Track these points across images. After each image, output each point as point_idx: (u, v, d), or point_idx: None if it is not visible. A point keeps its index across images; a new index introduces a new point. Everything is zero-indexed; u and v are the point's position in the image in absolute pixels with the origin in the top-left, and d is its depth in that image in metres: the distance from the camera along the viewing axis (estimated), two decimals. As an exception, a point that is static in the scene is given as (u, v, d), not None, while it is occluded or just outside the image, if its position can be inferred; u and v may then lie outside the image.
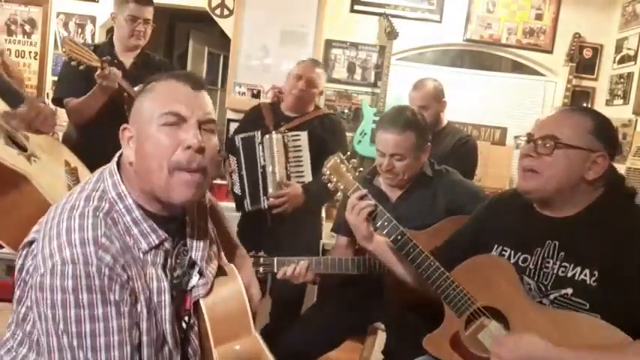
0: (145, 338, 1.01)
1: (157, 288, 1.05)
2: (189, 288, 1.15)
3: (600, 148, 1.29)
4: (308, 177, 2.39)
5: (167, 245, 1.08)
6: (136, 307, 1.01)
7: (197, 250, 1.16)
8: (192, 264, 1.16)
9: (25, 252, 1.04)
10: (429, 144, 1.96)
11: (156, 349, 1.04)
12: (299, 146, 2.40)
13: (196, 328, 1.16)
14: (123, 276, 0.97)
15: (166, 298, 1.06)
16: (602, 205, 1.32)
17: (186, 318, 1.15)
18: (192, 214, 1.18)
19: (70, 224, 0.97)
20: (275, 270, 1.86)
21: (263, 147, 2.39)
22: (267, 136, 2.38)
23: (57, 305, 0.93)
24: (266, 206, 2.40)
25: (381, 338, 2.04)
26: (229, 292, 1.19)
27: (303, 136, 2.40)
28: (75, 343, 0.93)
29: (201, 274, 1.17)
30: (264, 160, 2.39)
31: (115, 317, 0.95)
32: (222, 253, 1.32)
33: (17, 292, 1.04)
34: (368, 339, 2.10)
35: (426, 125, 1.98)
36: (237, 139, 2.46)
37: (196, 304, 1.16)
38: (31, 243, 1.03)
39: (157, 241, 1.05)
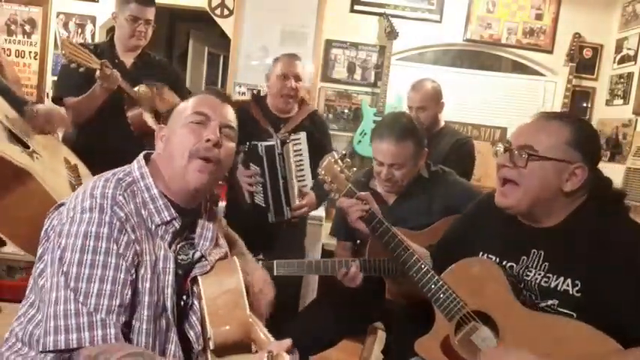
0: (146, 298, 1.09)
1: (164, 256, 1.16)
2: (192, 275, 1.23)
3: (578, 159, 1.25)
4: (308, 179, 2.36)
5: (176, 224, 1.20)
6: (139, 269, 1.10)
7: (203, 245, 1.26)
8: (197, 257, 1.25)
9: (54, 213, 1.16)
10: (426, 149, 1.96)
11: (155, 315, 1.11)
12: (300, 150, 2.35)
13: (195, 308, 1.22)
14: (131, 234, 1.09)
15: (171, 265, 1.16)
16: (585, 213, 1.29)
17: (184, 297, 1.21)
18: (203, 217, 1.30)
19: (95, 184, 1.13)
20: (275, 272, 1.86)
21: (283, 158, 2.30)
22: (285, 146, 2.30)
23: (67, 248, 1.05)
24: (289, 217, 2.35)
25: (381, 338, 2.04)
26: (228, 278, 1.24)
27: (303, 137, 2.36)
28: (72, 284, 1.02)
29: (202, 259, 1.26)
30: (285, 171, 2.31)
31: (112, 268, 1.05)
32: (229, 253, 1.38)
33: (39, 250, 1.15)
34: (368, 339, 2.10)
35: (422, 131, 1.98)
36: (262, 147, 2.29)
37: (195, 285, 1.22)
38: (60, 205, 1.16)
39: (168, 218, 1.18)
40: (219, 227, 1.38)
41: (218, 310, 1.19)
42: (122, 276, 1.05)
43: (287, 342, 1.06)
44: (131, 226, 1.09)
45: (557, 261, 1.28)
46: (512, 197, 1.31)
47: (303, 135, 2.36)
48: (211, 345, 1.15)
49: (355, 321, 2.03)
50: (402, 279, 1.76)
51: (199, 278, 1.22)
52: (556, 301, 1.27)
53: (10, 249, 2.88)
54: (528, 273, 1.33)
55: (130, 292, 1.07)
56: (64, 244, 1.05)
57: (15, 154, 1.65)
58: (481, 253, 1.44)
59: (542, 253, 1.32)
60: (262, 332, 1.24)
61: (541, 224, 1.34)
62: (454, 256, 1.46)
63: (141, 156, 1.24)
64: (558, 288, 1.26)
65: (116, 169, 1.20)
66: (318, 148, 2.38)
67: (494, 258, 1.41)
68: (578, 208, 1.30)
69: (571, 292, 1.24)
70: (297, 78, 2.42)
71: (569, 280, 1.25)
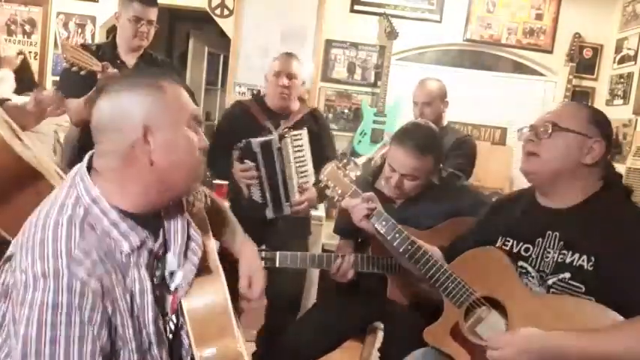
0: (133, 345, 1.01)
1: (140, 290, 1.03)
2: (173, 288, 1.14)
3: (596, 135, 1.35)
4: (311, 176, 2.37)
5: (150, 244, 1.06)
6: (114, 318, 0.98)
7: (176, 234, 1.15)
8: (171, 270, 1.15)
9: (5, 267, 1.02)
10: (442, 165, 1.95)
11: (143, 353, 1.04)
12: (302, 145, 2.36)
13: (186, 328, 1.15)
14: (97, 290, 0.94)
15: (149, 299, 1.05)
16: (601, 198, 1.36)
17: (174, 318, 1.15)
18: (166, 208, 1.16)
19: (44, 235, 0.95)
20: (277, 264, 1.86)
21: (281, 153, 2.31)
22: (283, 140, 2.31)
23: (22, 321, 0.90)
24: (289, 213, 2.36)
25: (380, 338, 2.04)
26: (212, 293, 1.18)
27: (304, 134, 2.36)
28: None
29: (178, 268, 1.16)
30: (283, 166, 2.32)
31: (77, 341, 0.91)
32: (213, 245, 1.27)
33: (1, 308, 1.02)
34: (368, 339, 2.10)
35: (442, 148, 1.96)
36: (256, 143, 2.29)
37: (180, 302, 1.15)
38: (10, 258, 1.01)
39: (138, 242, 1.03)
40: (185, 212, 1.22)
41: (203, 332, 1.13)
42: (89, 347, 0.92)
43: None
44: (97, 278, 0.94)
45: (574, 240, 1.34)
46: (533, 164, 1.40)
47: (304, 131, 2.37)
48: None
49: (356, 321, 2.03)
50: (404, 276, 1.76)
51: (182, 301, 1.14)
52: (568, 274, 1.32)
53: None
54: (547, 253, 1.38)
55: (101, 358, 0.95)
56: (19, 315, 0.91)
57: (26, 154, 1.64)
58: (500, 238, 1.49)
59: (558, 234, 1.37)
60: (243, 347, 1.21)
61: (559, 204, 1.40)
62: (472, 248, 1.51)
63: (84, 170, 1.05)
64: (574, 263, 1.32)
65: (61, 197, 1.02)
66: (320, 144, 2.41)
67: (511, 241, 1.46)
68: (594, 194, 1.37)
69: (585, 267, 1.30)
70: (291, 76, 2.42)
71: (584, 256, 1.31)
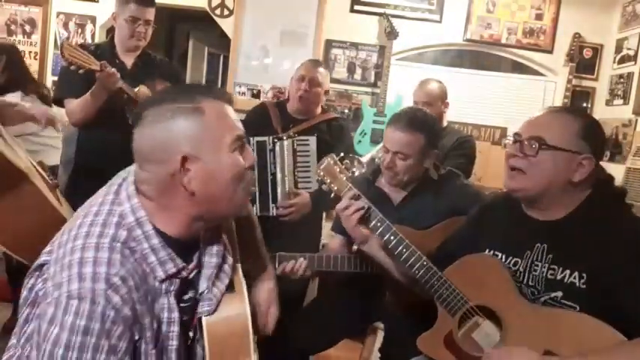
0: None
1: (168, 319, 1.04)
2: (200, 310, 1.12)
3: (586, 151, 1.29)
4: (314, 184, 2.36)
5: (185, 273, 1.06)
6: (140, 345, 0.98)
7: (211, 256, 1.14)
8: (201, 291, 1.13)
9: (36, 274, 1.02)
10: (436, 151, 1.93)
11: None
12: (307, 151, 2.36)
13: (203, 341, 1.14)
14: (128, 318, 0.94)
15: (175, 329, 1.05)
16: (589, 207, 1.31)
17: (190, 333, 1.13)
18: (205, 230, 1.14)
19: (85, 256, 0.95)
20: (277, 265, 1.86)
21: (274, 154, 2.35)
22: (278, 143, 2.34)
23: (49, 339, 0.90)
24: (274, 214, 2.38)
25: (380, 338, 2.04)
26: (234, 312, 1.16)
27: (312, 140, 2.37)
28: None
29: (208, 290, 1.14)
30: (275, 168, 2.36)
31: None
32: (239, 265, 1.25)
33: (26, 311, 1.02)
34: (368, 339, 2.10)
35: (438, 131, 1.96)
36: (253, 141, 2.34)
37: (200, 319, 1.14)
38: (42, 266, 1.01)
39: (174, 270, 1.03)
40: (223, 236, 1.22)
41: (221, 350, 1.12)
42: None
43: None
44: (130, 307, 0.94)
45: (563, 253, 1.30)
46: (519, 182, 1.34)
47: (312, 138, 2.38)
48: None
49: (355, 321, 2.03)
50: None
51: (203, 319, 1.12)
52: (560, 293, 1.28)
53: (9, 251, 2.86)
54: (535, 267, 1.34)
55: None
56: (46, 331, 0.91)
57: (9, 154, 1.61)
58: (487, 250, 1.45)
59: (546, 246, 1.33)
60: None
61: (547, 216, 1.35)
62: (458, 256, 1.47)
63: (132, 190, 1.03)
64: (565, 280, 1.27)
65: (104, 212, 1.01)
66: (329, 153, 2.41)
67: (499, 254, 1.43)
68: (582, 202, 1.32)
69: (577, 285, 1.25)
70: (313, 82, 2.45)
71: (575, 273, 1.26)
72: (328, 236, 2.91)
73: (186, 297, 1.09)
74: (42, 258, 1.02)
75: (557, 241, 1.31)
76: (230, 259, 1.18)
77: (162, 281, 1.02)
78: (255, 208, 2.37)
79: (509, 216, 1.44)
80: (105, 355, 0.91)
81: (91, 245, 0.96)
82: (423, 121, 1.87)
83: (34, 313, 0.99)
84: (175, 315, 1.04)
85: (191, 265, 1.09)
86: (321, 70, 2.51)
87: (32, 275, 1.02)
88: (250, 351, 1.16)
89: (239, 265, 1.24)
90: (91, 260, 0.94)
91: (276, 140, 2.36)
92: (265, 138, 2.36)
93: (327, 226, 2.94)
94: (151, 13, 2.41)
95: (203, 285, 1.12)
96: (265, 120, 2.49)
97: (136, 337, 0.97)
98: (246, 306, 1.17)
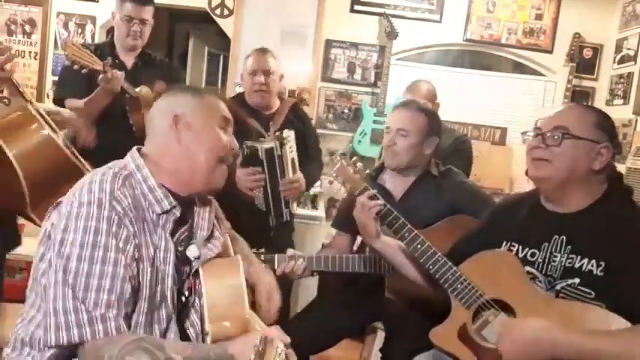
0: (146, 291, 1.11)
1: (165, 246, 1.17)
2: (192, 257, 1.25)
3: (604, 140, 1.34)
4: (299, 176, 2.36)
5: (177, 213, 1.21)
6: (139, 262, 1.11)
7: (201, 229, 1.29)
8: (194, 255, 1.26)
9: (54, 211, 1.16)
10: (437, 139, 1.96)
11: (154, 306, 1.13)
12: (292, 147, 2.31)
13: (197, 305, 1.24)
14: (130, 228, 1.10)
15: (171, 256, 1.18)
16: (607, 200, 1.36)
17: (186, 293, 1.23)
18: (198, 203, 1.31)
19: (92, 178, 1.13)
20: (276, 266, 1.86)
21: (282, 159, 2.26)
22: (283, 147, 2.26)
23: (65, 243, 1.05)
24: (288, 219, 2.36)
25: (380, 338, 2.04)
26: (229, 275, 1.26)
27: (292, 135, 2.31)
28: (70, 279, 1.03)
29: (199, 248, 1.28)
30: (284, 172, 2.27)
31: (112, 263, 1.06)
32: (232, 251, 1.39)
33: (40, 249, 1.15)
34: (368, 339, 2.10)
35: (438, 121, 2.01)
36: (262, 150, 2.22)
37: (197, 281, 1.24)
38: (58, 204, 1.16)
39: (168, 206, 1.19)
40: (214, 214, 1.39)
41: (217, 305, 1.20)
42: (122, 270, 1.06)
43: (285, 337, 1.14)
44: (129, 220, 1.10)
45: (581, 244, 1.33)
46: (545, 171, 1.38)
47: (292, 133, 2.32)
48: (208, 340, 1.17)
49: (355, 321, 2.03)
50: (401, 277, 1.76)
51: (201, 273, 1.23)
52: (577, 280, 1.31)
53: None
54: (554, 258, 1.37)
55: (129, 287, 1.07)
56: (63, 238, 1.06)
57: (66, 150, 1.71)
58: (504, 243, 1.48)
59: (565, 238, 1.36)
60: (258, 324, 1.27)
61: (566, 209, 1.39)
62: (476, 251, 1.49)
63: (134, 149, 1.25)
64: (583, 268, 1.31)
65: (111, 164, 1.21)
66: (305, 143, 2.41)
67: (516, 246, 1.45)
68: (601, 196, 1.37)
69: (595, 272, 1.29)
70: (268, 73, 2.39)
71: (593, 261, 1.30)
72: (329, 236, 2.91)
73: (180, 249, 1.23)
74: (60, 199, 1.17)
75: (576, 233, 1.35)
76: (220, 239, 1.34)
77: (158, 216, 1.18)
78: (270, 219, 2.32)
79: (526, 210, 1.48)
80: (114, 253, 1.06)
81: (97, 176, 1.14)
82: (424, 106, 1.98)
83: (49, 243, 1.12)
84: (171, 245, 1.19)
85: (184, 227, 1.25)
86: (271, 58, 2.43)
87: (50, 214, 1.16)
88: (245, 303, 1.23)
89: (230, 249, 1.39)
90: (98, 180, 1.12)
91: (280, 144, 2.26)
92: (272, 145, 2.24)
93: (327, 225, 2.94)
94: (147, 12, 2.41)
95: (195, 250, 1.25)
96: (239, 121, 2.33)
97: (137, 249, 1.11)
98: (240, 266, 1.27)
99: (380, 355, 1.96)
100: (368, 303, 1.98)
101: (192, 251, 1.24)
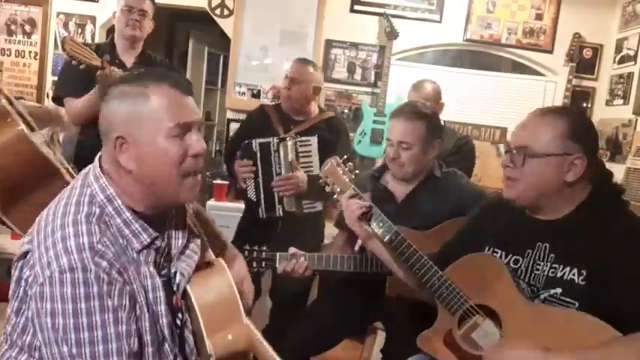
0: (148, 337, 1.04)
1: (152, 285, 1.08)
2: (174, 286, 1.16)
3: (576, 150, 1.29)
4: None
5: (158, 243, 1.12)
6: (136, 310, 1.03)
7: (177, 239, 1.19)
8: (174, 271, 1.17)
9: (20, 264, 1.05)
10: (439, 141, 1.96)
11: (158, 347, 1.07)
12: (309, 151, 2.41)
13: (190, 326, 1.18)
14: (119, 279, 1.00)
15: (161, 294, 1.09)
16: (591, 205, 1.32)
17: (180, 315, 1.16)
18: (170, 210, 1.21)
19: (65, 232, 0.99)
20: (277, 265, 1.86)
21: (279, 155, 2.40)
22: (282, 143, 2.39)
23: (57, 314, 0.95)
24: (281, 214, 2.41)
25: (380, 338, 2.04)
26: (218, 282, 1.21)
27: (314, 141, 2.42)
28: (74, 351, 0.95)
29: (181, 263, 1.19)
30: (280, 168, 2.40)
31: (112, 324, 0.97)
32: (210, 251, 1.32)
33: (15, 304, 1.05)
34: (368, 339, 2.11)
35: (437, 122, 1.99)
36: (255, 143, 2.43)
37: (186, 299, 1.17)
38: (25, 254, 1.04)
39: (148, 240, 1.09)
40: (183, 209, 1.26)
41: (213, 318, 1.15)
42: (124, 328, 0.99)
43: None
44: (117, 271, 1.00)
45: (564, 252, 1.31)
46: (514, 191, 1.35)
47: (314, 138, 2.42)
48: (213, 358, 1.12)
49: (355, 321, 2.03)
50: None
51: (189, 290, 1.16)
52: (559, 290, 1.29)
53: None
54: (537, 266, 1.35)
55: (136, 339, 1.01)
56: (52, 309, 0.95)
57: (50, 154, 1.68)
58: (487, 248, 1.46)
59: (548, 246, 1.34)
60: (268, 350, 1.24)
61: (549, 216, 1.36)
62: (459, 256, 1.48)
63: (98, 171, 1.09)
64: (564, 277, 1.29)
65: (75, 194, 1.06)
66: (331, 152, 2.40)
67: (499, 252, 1.44)
68: (583, 201, 1.33)
69: (577, 281, 1.27)
70: (294, 80, 2.48)
71: (575, 270, 1.28)
72: (329, 236, 2.91)
73: (163, 272, 1.14)
74: (24, 247, 1.06)
75: (559, 240, 1.32)
76: (197, 241, 1.24)
77: (139, 252, 1.08)
78: (260, 210, 2.42)
79: (510, 215, 1.45)
80: (112, 313, 0.97)
81: (68, 222, 1.01)
82: (421, 110, 1.93)
83: (28, 300, 1.01)
84: (158, 281, 1.09)
85: (163, 243, 1.14)
86: (306, 67, 2.53)
87: (17, 265, 1.05)
88: (241, 316, 1.19)
89: (209, 251, 1.30)
90: (72, 234, 0.99)
91: (279, 141, 2.40)
92: (269, 139, 2.40)
93: (327, 226, 2.94)
94: (146, 5, 2.45)
95: (175, 263, 1.17)
96: (266, 122, 2.53)
97: (132, 297, 1.02)
98: (228, 275, 1.21)
99: (381, 355, 1.96)
100: (368, 303, 1.98)
101: (175, 279, 1.16)
